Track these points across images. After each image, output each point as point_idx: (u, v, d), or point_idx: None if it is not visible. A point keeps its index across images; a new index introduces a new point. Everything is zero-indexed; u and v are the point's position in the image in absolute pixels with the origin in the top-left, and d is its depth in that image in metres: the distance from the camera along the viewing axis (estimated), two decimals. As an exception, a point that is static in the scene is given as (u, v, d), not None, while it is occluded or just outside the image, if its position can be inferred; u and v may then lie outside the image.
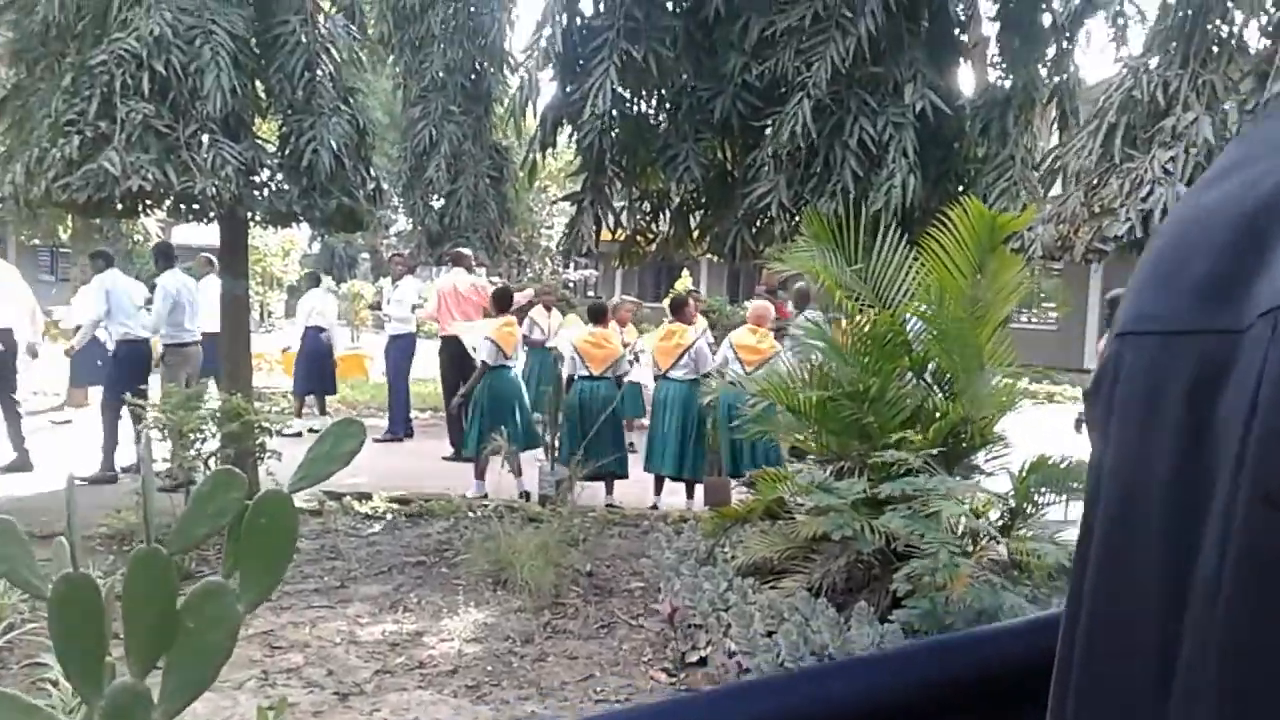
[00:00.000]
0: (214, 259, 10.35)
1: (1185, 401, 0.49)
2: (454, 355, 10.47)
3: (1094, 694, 0.54)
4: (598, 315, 9.14)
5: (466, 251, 11.84)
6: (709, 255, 9.86)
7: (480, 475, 8.78)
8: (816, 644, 4.81)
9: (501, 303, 9.24)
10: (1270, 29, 4.11)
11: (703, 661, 5.16)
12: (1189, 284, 0.51)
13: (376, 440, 10.42)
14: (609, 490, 8.77)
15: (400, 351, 11.71)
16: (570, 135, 8.47)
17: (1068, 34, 7.48)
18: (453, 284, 10.88)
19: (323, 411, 12.03)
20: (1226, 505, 0.45)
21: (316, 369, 12.15)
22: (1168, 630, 0.49)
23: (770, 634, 4.91)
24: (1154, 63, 4.19)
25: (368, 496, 8.23)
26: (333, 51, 7.76)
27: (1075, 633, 0.55)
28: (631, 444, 9.73)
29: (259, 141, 7.70)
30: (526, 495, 8.55)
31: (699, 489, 8.78)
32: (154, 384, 9.06)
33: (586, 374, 8.74)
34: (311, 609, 5.84)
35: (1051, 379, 18.63)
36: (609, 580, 6.62)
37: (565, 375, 8.92)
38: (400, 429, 11.60)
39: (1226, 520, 0.45)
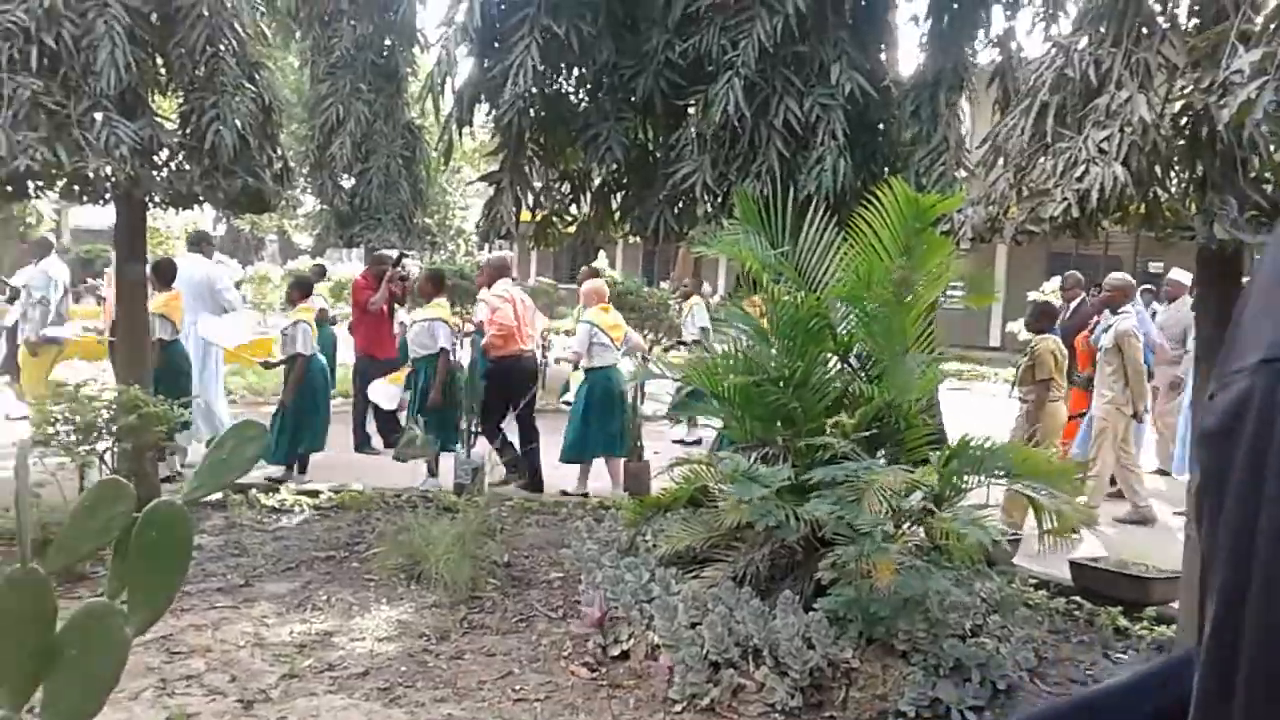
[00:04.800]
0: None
1: None
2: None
3: None
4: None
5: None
6: (629, 237, 9.72)
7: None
8: (741, 635, 4.76)
9: (164, 276, 8.92)
10: (1197, 9, 4.11)
11: (625, 655, 5.06)
12: None
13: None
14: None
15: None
16: (488, 114, 8.24)
17: (1008, 12, 7.47)
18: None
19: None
20: None
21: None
22: None
23: (694, 625, 4.84)
24: (1083, 42, 4.16)
25: (274, 489, 7.95)
26: (237, 26, 7.42)
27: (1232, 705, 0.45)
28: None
29: (158, 119, 7.34)
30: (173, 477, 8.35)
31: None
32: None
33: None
34: (214, 609, 5.59)
35: (961, 358, 19.04)
36: (527, 572, 6.48)
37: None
38: None
39: None
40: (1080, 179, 3.76)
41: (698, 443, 10.74)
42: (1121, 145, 3.75)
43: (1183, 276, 9.62)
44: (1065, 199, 3.80)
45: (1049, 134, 4.07)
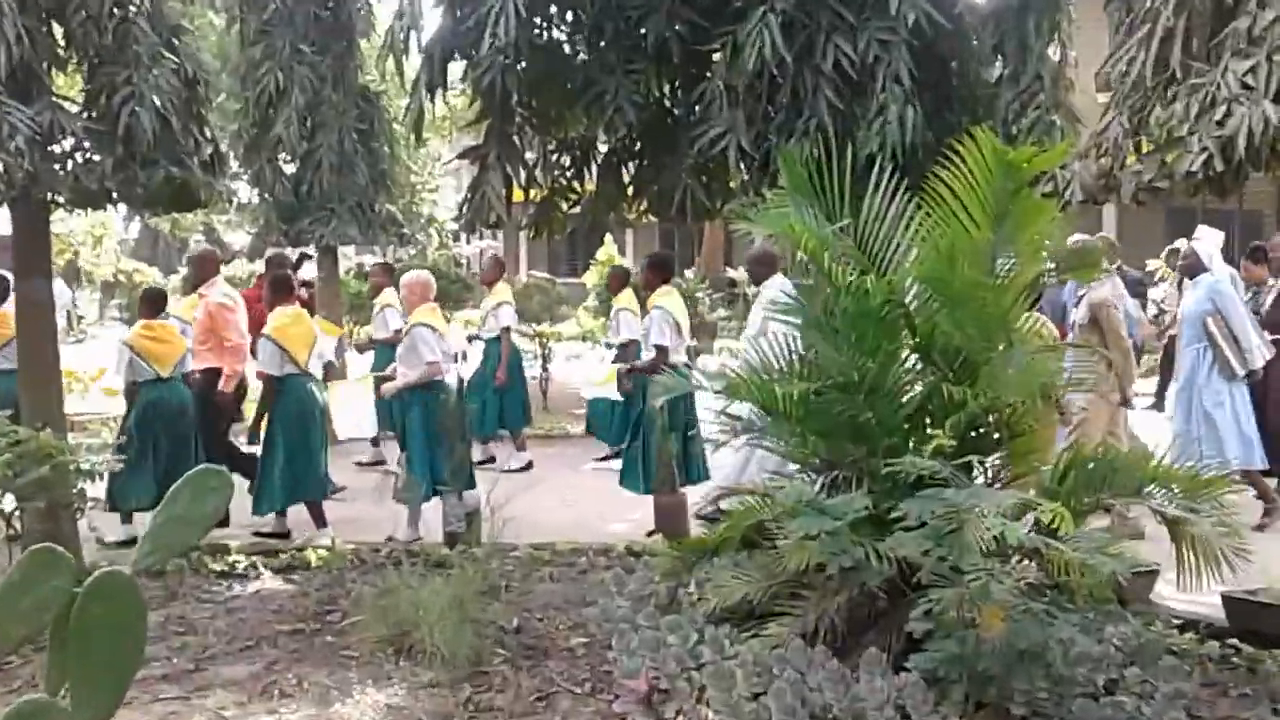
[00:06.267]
0: None
1: None
2: None
3: None
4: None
5: None
6: (644, 216, 9.71)
7: None
8: (816, 705, 4.74)
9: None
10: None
11: (673, 737, 5.05)
12: None
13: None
14: None
15: None
16: (464, 75, 8.25)
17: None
18: None
19: None
20: None
21: None
22: None
23: (757, 696, 4.82)
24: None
25: (224, 550, 7.97)
26: (149, -18, 7.47)
27: None
28: None
29: (58, 101, 7.37)
30: None
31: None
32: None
33: None
34: (159, 702, 5.59)
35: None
36: (542, 638, 6.47)
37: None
38: None
39: None
40: (1221, 122, 3.71)
41: None
42: (1270, 77, 3.70)
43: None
44: (1204, 148, 3.74)
45: (1175, 67, 4.02)
